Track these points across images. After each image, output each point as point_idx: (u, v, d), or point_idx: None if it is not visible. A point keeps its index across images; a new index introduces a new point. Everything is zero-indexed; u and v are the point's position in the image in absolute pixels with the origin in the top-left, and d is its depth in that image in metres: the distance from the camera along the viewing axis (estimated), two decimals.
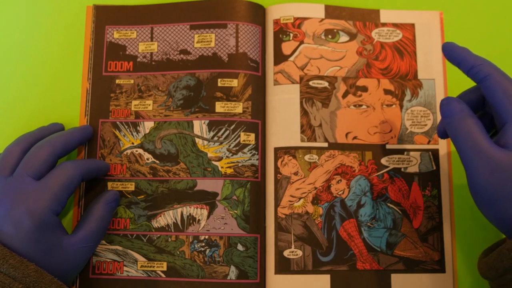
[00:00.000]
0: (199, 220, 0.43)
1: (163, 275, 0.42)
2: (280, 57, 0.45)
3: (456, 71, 0.47)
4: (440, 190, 0.44)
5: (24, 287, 0.33)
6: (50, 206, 0.36)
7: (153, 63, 0.46)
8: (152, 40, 0.46)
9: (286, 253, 0.42)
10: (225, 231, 0.42)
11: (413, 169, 0.44)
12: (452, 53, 0.37)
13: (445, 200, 0.44)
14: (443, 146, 0.45)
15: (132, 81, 0.45)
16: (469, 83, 0.46)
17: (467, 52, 0.37)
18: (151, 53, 0.46)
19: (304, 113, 0.44)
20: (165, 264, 0.42)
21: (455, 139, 0.35)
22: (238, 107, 0.44)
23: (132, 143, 0.44)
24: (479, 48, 0.47)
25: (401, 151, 0.45)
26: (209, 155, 0.44)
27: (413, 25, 0.47)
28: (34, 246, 0.36)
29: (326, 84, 0.45)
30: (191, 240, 0.42)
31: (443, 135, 0.40)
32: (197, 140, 0.44)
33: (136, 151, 0.44)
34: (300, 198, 0.43)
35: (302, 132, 0.44)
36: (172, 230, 0.43)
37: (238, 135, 0.44)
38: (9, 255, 0.34)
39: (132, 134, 0.45)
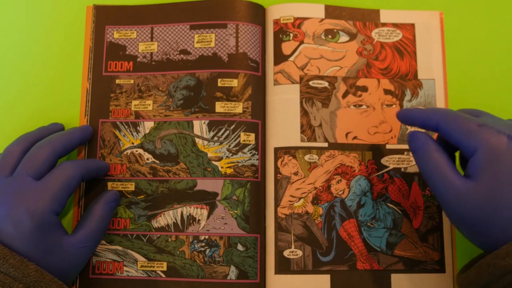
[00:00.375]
0: (199, 220, 0.43)
1: (163, 275, 0.42)
2: (280, 57, 0.45)
3: (456, 71, 0.47)
4: None
5: (24, 287, 0.33)
6: (50, 206, 0.36)
7: (153, 63, 0.46)
8: (152, 40, 0.46)
9: (286, 253, 0.42)
10: (225, 231, 0.42)
11: (413, 169, 0.44)
12: (406, 118, 0.39)
13: None
14: None
15: (132, 81, 0.45)
16: (469, 83, 0.47)
17: (417, 111, 0.38)
18: (151, 53, 0.46)
19: (304, 113, 0.44)
20: (165, 264, 0.42)
21: (423, 171, 0.36)
22: (238, 107, 0.44)
23: (132, 143, 0.44)
24: (479, 48, 0.47)
25: (401, 151, 0.45)
26: (209, 155, 0.44)
27: (413, 25, 0.47)
28: (34, 246, 0.36)
29: (326, 84, 0.45)
30: (191, 240, 0.42)
31: None
32: (197, 140, 0.44)
33: (136, 151, 0.44)
34: (300, 198, 0.43)
35: (302, 132, 0.44)
36: (172, 230, 0.43)
37: (238, 135, 0.44)
38: (9, 255, 0.34)
39: (132, 134, 0.45)
